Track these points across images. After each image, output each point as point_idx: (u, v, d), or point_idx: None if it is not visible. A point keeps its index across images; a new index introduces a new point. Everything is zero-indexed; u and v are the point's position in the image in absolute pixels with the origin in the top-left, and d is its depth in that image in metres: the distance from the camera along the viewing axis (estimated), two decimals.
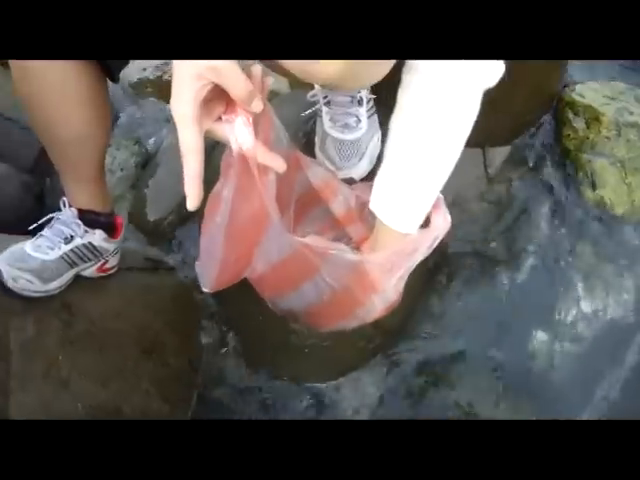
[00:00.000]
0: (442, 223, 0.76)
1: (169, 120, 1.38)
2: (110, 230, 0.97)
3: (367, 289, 0.79)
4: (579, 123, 1.22)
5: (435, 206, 0.76)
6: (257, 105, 0.59)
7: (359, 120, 0.93)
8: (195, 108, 0.55)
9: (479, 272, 1.15)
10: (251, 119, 0.60)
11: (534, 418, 1.05)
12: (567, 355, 1.10)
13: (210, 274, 0.80)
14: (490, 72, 0.66)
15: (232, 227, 0.71)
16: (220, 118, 0.60)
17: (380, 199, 0.75)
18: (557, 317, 1.12)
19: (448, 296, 1.12)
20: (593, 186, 1.16)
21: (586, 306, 1.13)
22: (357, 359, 1.02)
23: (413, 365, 1.05)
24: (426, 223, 0.77)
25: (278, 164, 0.66)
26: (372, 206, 0.76)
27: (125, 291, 1.06)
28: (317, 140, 0.97)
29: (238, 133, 0.61)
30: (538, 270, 1.15)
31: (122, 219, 1.02)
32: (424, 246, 0.76)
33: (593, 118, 1.21)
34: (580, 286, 1.14)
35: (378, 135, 0.96)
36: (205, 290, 0.82)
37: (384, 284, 0.79)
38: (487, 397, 1.06)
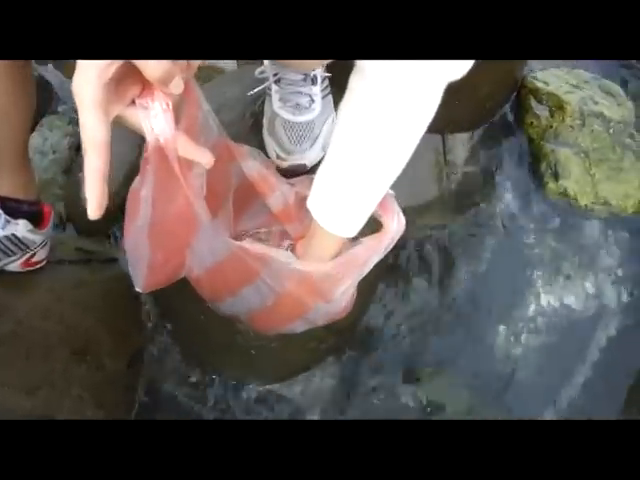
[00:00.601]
0: (396, 226, 0.68)
1: None
2: (36, 220, 0.87)
3: (315, 297, 0.72)
4: (542, 111, 1.17)
5: (386, 208, 0.67)
6: (177, 86, 0.49)
7: (312, 100, 0.84)
8: (99, 89, 0.45)
9: (436, 264, 1.10)
10: (171, 104, 0.51)
11: (496, 413, 1.02)
12: (527, 351, 1.07)
13: (139, 275, 0.71)
14: (456, 65, 0.55)
15: (156, 229, 0.63)
16: (134, 102, 0.50)
17: (318, 198, 0.66)
18: (517, 312, 1.09)
19: (403, 291, 1.07)
20: (556, 177, 1.11)
21: (546, 301, 1.10)
22: (308, 360, 0.95)
23: (368, 365, 1.00)
24: (378, 226, 0.69)
25: (204, 158, 0.56)
26: (309, 204, 0.66)
27: (54, 286, 0.96)
28: (265, 122, 0.88)
29: (154, 121, 0.51)
30: (498, 263, 1.11)
31: (50, 207, 0.92)
32: (377, 254, 0.69)
33: (557, 106, 1.16)
34: (541, 280, 1.10)
35: (333, 117, 0.87)
36: (138, 290, 0.73)
37: (333, 293, 0.71)
38: (446, 395, 1.02)
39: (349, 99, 0.60)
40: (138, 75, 0.47)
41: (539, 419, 1.02)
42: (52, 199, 1.19)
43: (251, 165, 0.76)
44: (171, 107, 0.51)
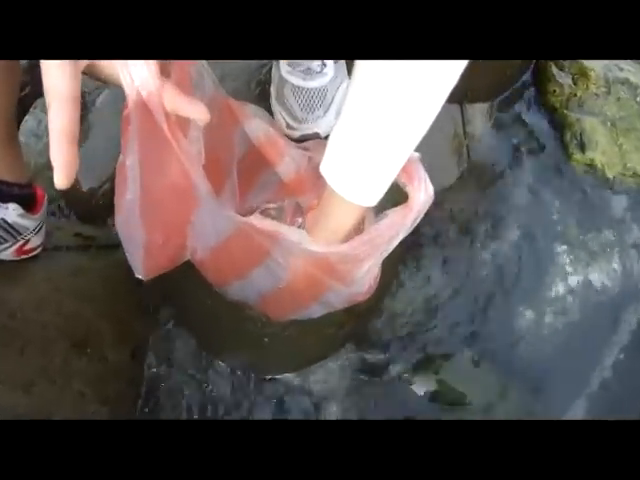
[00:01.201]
0: (423, 197, 0.59)
1: None
2: (28, 204, 0.81)
3: (333, 279, 0.64)
4: (565, 79, 1.10)
5: (411, 174, 0.59)
6: None
7: (324, 64, 0.77)
8: None
9: (457, 243, 1.03)
10: None
11: (522, 404, 0.96)
12: (554, 333, 1.01)
13: (137, 259, 0.64)
14: None
15: (147, 204, 0.55)
16: None
17: (333, 160, 0.57)
18: (543, 292, 1.03)
19: (425, 271, 1.00)
20: (582, 147, 1.05)
21: (573, 280, 1.03)
22: (325, 347, 0.89)
23: (389, 351, 0.93)
24: (401, 195, 0.61)
25: (198, 113, 0.47)
26: (323, 168, 0.58)
27: (51, 275, 0.90)
28: (272, 90, 0.81)
29: (134, 70, 0.42)
30: (521, 241, 1.04)
31: (43, 191, 0.86)
32: (403, 230, 0.60)
33: (580, 73, 1.09)
34: (567, 258, 1.04)
35: (346, 82, 0.80)
36: (138, 276, 0.66)
37: (354, 275, 0.64)
38: (470, 383, 0.96)
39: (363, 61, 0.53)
40: None
41: (567, 418, 0.96)
42: (48, 183, 1.11)
43: (256, 126, 0.68)
44: None
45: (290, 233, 0.58)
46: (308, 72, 0.77)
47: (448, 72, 0.51)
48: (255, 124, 0.67)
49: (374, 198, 0.58)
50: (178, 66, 0.51)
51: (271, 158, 0.69)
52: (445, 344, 0.95)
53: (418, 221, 0.62)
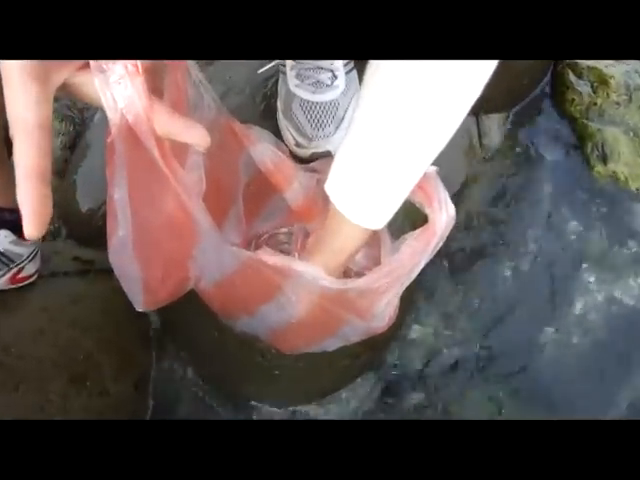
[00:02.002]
0: (445, 218, 0.54)
1: None
2: (20, 230, 0.76)
3: (351, 314, 0.59)
4: (583, 87, 1.05)
5: (430, 194, 0.54)
6: None
7: (334, 77, 0.72)
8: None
9: (473, 261, 0.98)
10: (140, 65, 0.37)
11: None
12: (577, 354, 0.95)
13: (135, 293, 0.58)
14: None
15: (142, 241, 0.50)
16: (87, 65, 0.37)
17: (339, 179, 0.53)
18: (564, 310, 0.97)
19: (440, 293, 0.95)
20: (604, 159, 1.00)
21: (596, 297, 0.98)
22: (339, 380, 0.83)
23: (406, 381, 0.88)
24: (419, 217, 0.57)
25: (196, 137, 0.41)
26: (327, 187, 0.53)
27: (47, 304, 0.85)
28: (280, 104, 0.77)
29: (117, 90, 0.37)
30: (542, 257, 0.99)
31: None
32: (425, 256, 0.56)
33: (599, 81, 1.05)
34: (589, 274, 0.99)
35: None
36: (138, 309, 0.61)
37: (374, 309, 0.59)
38: (489, 408, 0.91)
39: (375, 71, 0.48)
40: None
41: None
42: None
43: (262, 151, 0.62)
44: (141, 70, 0.37)
45: (303, 268, 0.53)
46: (318, 85, 0.72)
47: (468, 83, 0.46)
48: (261, 149, 0.62)
49: (381, 221, 0.53)
50: (173, 84, 0.45)
51: (279, 184, 0.64)
52: (465, 369, 0.90)
53: (440, 245, 0.57)
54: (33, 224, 0.36)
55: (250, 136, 0.62)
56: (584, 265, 0.99)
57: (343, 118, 0.73)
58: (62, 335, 0.83)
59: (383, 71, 0.47)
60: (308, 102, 0.73)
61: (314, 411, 0.85)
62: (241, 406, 0.87)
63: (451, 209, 0.55)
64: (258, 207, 0.70)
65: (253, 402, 0.86)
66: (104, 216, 1.08)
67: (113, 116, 0.38)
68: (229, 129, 0.59)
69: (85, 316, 0.87)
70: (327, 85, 0.72)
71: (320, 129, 0.72)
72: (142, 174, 0.43)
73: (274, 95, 0.79)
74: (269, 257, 0.53)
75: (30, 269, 0.82)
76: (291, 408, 0.85)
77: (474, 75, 0.46)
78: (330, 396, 0.84)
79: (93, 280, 0.95)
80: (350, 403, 0.86)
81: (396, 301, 0.63)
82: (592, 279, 0.98)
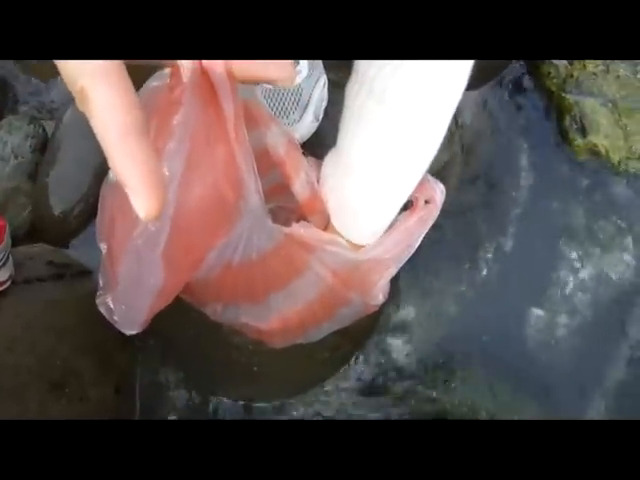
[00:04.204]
0: (439, 193, 0.58)
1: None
2: None
3: (356, 291, 0.60)
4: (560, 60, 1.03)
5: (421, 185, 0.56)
6: None
7: (296, 61, 0.70)
8: None
9: (455, 243, 0.96)
10: None
11: (535, 410, 0.90)
12: (565, 333, 0.94)
13: (137, 313, 0.52)
14: None
15: (179, 232, 0.41)
16: None
17: (331, 195, 0.57)
18: (550, 290, 0.96)
19: (423, 277, 0.94)
20: (583, 132, 0.98)
21: (581, 275, 0.97)
22: (320, 373, 0.82)
23: (390, 370, 0.87)
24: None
25: (282, 69, 0.32)
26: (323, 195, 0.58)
27: (22, 311, 0.83)
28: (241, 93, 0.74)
29: None
30: (524, 236, 0.97)
31: (4, 219, 0.79)
32: (426, 227, 0.58)
33: None
34: (573, 252, 0.97)
35: (324, 79, 0.73)
36: (128, 333, 0.56)
37: (377, 285, 0.61)
38: (480, 393, 0.89)
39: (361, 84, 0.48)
40: None
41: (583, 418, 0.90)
42: (18, 209, 1.06)
43: (276, 135, 0.56)
44: None
45: (335, 241, 0.54)
46: None
47: (452, 82, 0.48)
48: (276, 133, 0.56)
49: (372, 239, 0.56)
50: None
51: (288, 174, 0.59)
52: (449, 356, 0.89)
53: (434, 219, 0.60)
54: (152, 196, 0.25)
55: (265, 117, 0.55)
56: (568, 242, 0.97)
57: (308, 104, 0.71)
58: (38, 342, 0.82)
59: (367, 84, 0.47)
60: (271, 89, 0.70)
61: (296, 405, 0.84)
62: (226, 404, 0.86)
63: (443, 188, 0.59)
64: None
65: (239, 400, 0.85)
66: (78, 218, 1.06)
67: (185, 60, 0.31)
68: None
69: (61, 321, 0.86)
70: None
71: (284, 116, 0.70)
72: (204, 140, 0.36)
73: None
74: (309, 230, 0.52)
75: (2, 276, 0.81)
76: (274, 403, 0.83)
77: (457, 73, 0.48)
78: (312, 390, 0.82)
79: (68, 284, 0.93)
80: (333, 395, 0.85)
81: (389, 279, 0.63)
82: (577, 256, 0.97)
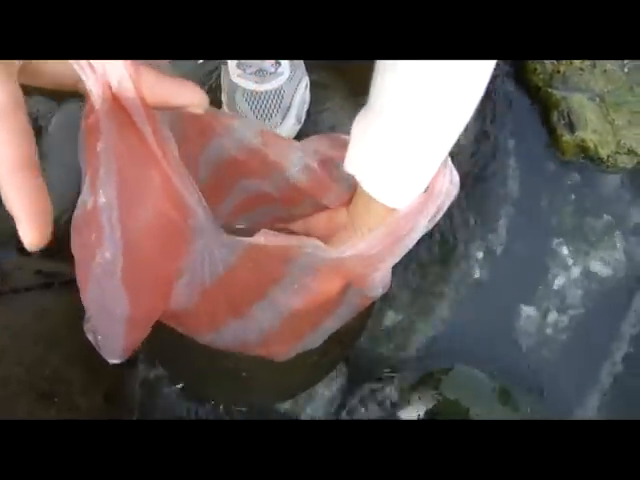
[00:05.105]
0: (447, 186, 0.53)
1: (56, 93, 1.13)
2: None
3: (343, 285, 0.57)
4: None
5: None
6: None
7: (278, 63, 0.69)
8: None
9: (443, 244, 0.96)
10: None
11: (529, 410, 0.89)
12: (557, 331, 0.94)
13: (113, 341, 0.51)
14: None
15: (132, 261, 0.42)
16: None
17: (362, 157, 0.51)
18: (541, 288, 0.95)
19: (412, 277, 0.93)
20: (571, 127, 0.97)
21: (572, 272, 0.96)
22: (309, 377, 0.81)
23: (379, 372, 0.86)
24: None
25: (193, 95, 0.36)
26: (352, 168, 0.52)
27: (9, 322, 0.83)
28: (224, 97, 0.74)
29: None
30: (514, 234, 0.97)
31: None
32: (423, 218, 0.53)
33: None
34: (564, 249, 0.97)
35: (306, 81, 0.73)
36: (112, 362, 0.53)
37: (372, 278, 0.57)
38: (472, 393, 0.89)
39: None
40: None
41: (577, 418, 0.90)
42: (6, 218, 1.06)
43: (244, 131, 0.54)
44: None
45: (306, 244, 0.50)
46: (260, 74, 0.69)
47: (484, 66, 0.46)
48: (242, 128, 0.54)
49: (407, 200, 0.51)
50: None
51: (275, 161, 0.57)
52: (441, 356, 0.88)
53: (441, 213, 0.55)
54: (34, 227, 0.30)
55: (222, 121, 0.54)
56: (558, 239, 0.97)
57: (290, 107, 0.70)
58: (26, 353, 0.81)
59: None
60: (251, 92, 0.70)
61: (287, 408, 0.83)
62: (218, 409, 0.86)
63: (455, 177, 0.53)
64: (220, 198, 0.66)
65: (228, 406, 0.84)
66: (67, 225, 1.06)
67: (93, 86, 0.32)
68: (189, 118, 0.50)
69: (50, 331, 0.85)
70: (271, 73, 0.69)
71: (266, 119, 0.69)
72: (130, 162, 0.36)
73: (219, 88, 0.76)
74: (272, 238, 0.48)
75: None
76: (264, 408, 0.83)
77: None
78: (302, 394, 0.82)
79: (57, 293, 0.93)
80: (323, 399, 0.84)
81: (388, 277, 0.61)
82: (567, 252, 0.96)
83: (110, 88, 0.32)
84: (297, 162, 0.58)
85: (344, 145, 0.54)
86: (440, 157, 0.51)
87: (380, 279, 0.59)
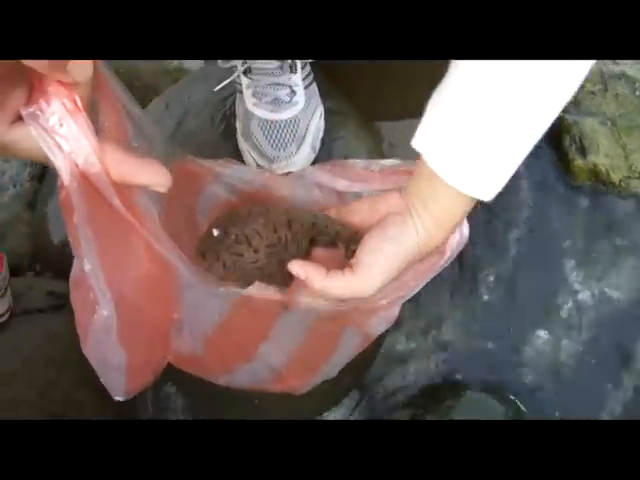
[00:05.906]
0: (458, 239, 0.52)
1: None
2: None
3: (349, 325, 0.58)
4: None
5: None
6: (79, 71, 0.30)
7: (293, 92, 0.70)
8: None
9: (455, 269, 0.95)
10: (78, 100, 0.32)
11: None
12: (570, 355, 0.93)
13: (117, 383, 0.53)
14: None
15: (125, 318, 0.44)
16: (20, 118, 0.32)
17: (436, 136, 0.46)
18: (553, 313, 0.95)
19: (423, 304, 0.93)
20: (583, 152, 0.97)
21: (585, 296, 0.96)
22: (321, 405, 0.81)
23: (391, 400, 0.86)
24: None
25: (157, 176, 0.36)
26: (417, 145, 0.47)
27: (20, 345, 0.83)
28: (238, 125, 0.74)
29: (60, 132, 0.32)
30: (525, 259, 0.97)
31: (1, 253, 0.79)
32: (432, 275, 0.53)
33: None
34: (576, 273, 0.96)
35: (320, 110, 0.73)
36: (116, 399, 0.55)
37: (372, 322, 0.58)
38: (482, 418, 0.88)
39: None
40: (15, 74, 0.29)
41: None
42: (19, 239, 1.07)
43: (238, 174, 0.56)
44: (80, 105, 0.32)
45: (299, 297, 0.50)
46: (276, 103, 0.70)
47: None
48: (236, 173, 0.56)
49: (492, 190, 0.48)
50: (109, 120, 0.39)
51: (284, 196, 0.57)
52: (452, 382, 0.88)
53: (448, 262, 0.55)
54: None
55: (211, 169, 0.56)
56: (569, 262, 0.97)
57: (305, 136, 0.70)
58: (37, 377, 0.81)
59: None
60: (267, 121, 0.70)
61: None
62: None
63: (465, 229, 0.53)
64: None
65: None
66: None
67: (61, 165, 0.33)
68: (180, 168, 0.53)
69: (60, 354, 0.85)
70: (286, 102, 0.70)
71: (281, 149, 0.69)
72: (108, 230, 0.38)
73: (233, 115, 0.76)
74: (263, 291, 0.49)
75: (0, 308, 0.80)
76: None
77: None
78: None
79: (68, 314, 0.92)
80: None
81: (396, 310, 0.60)
82: (578, 276, 0.96)
83: (77, 166, 0.34)
84: (314, 189, 0.58)
85: (342, 169, 0.54)
86: (525, 146, 0.46)
87: (382, 318, 0.59)
